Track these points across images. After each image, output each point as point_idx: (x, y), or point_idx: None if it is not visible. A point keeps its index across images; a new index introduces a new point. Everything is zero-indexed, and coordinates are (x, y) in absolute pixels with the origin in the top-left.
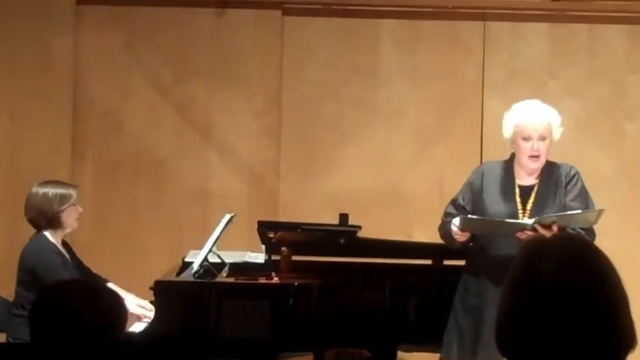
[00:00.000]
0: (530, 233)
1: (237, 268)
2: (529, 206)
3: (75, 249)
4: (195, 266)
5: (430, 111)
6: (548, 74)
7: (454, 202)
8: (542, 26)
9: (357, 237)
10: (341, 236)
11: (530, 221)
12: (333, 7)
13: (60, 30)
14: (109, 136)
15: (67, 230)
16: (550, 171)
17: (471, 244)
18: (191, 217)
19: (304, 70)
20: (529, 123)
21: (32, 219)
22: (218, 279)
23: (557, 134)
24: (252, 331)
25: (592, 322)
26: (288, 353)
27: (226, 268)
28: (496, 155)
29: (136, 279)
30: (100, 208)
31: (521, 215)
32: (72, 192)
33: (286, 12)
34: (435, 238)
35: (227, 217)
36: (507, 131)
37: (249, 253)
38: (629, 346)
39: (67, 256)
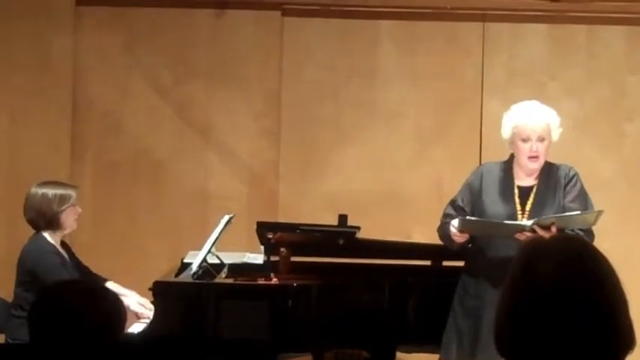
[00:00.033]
0: (528, 234)
1: (236, 269)
2: (528, 207)
3: (74, 250)
4: (194, 267)
5: (429, 112)
6: (548, 75)
7: (453, 203)
8: (542, 27)
9: (356, 238)
10: (340, 237)
11: (529, 222)
12: (332, 8)
13: (59, 30)
14: (108, 137)
15: (67, 231)
16: (549, 172)
17: (469, 245)
18: (190, 218)
19: (303, 71)
20: (528, 124)
21: (31, 219)
22: (217, 280)
23: (556, 135)
24: (251, 331)
25: (591, 323)
26: (287, 354)
27: (225, 269)
28: (495, 156)
29: (135, 280)
30: (99, 209)
31: (520, 216)
32: (71, 192)
33: (285, 13)
34: (434, 239)
35: (226, 217)
36: (506, 132)
37: (248, 254)
38: (628, 346)
39: (66, 256)
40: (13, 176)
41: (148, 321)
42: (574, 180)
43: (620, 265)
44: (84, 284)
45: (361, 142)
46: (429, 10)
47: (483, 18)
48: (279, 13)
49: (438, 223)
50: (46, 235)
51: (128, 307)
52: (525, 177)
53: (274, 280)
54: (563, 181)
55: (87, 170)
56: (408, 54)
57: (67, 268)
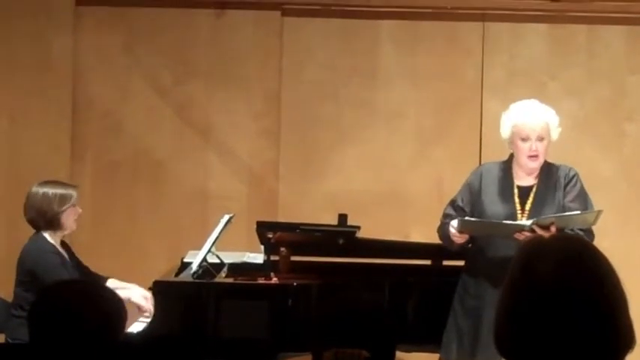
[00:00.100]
0: (528, 234)
1: (236, 269)
2: (528, 206)
3: (74, 250)
4: (194, 267)
5: (429, 112)
6: (548, 75)
7: (453, 204)
8: (542, 27)
9: (356, 237)
10: (340, 237)
11: (529, 222)
12: (333, 7)
13: (59, 30)
14: (108, 137)
15: (67, 231)
16: (549, 172)
17: (469, 245)
18: (190, 218)
19: (303, 71)
20: (527, 123)
21: (31, 219)
22: (217, 279)
23: (555, 134)
24: (251, 331)
25: (591, 323)
26: (287, 353)
27: (225, 269)
28: (495, 156)
29: (135, 279)
30: (99, 209)
31: (519, 215)
32: (72, 192)
33: (285, 13)
34: (434, 239)
35: (226, 217)
36: (505, 131)
37: (248, 254)
38: (628, 346)
39: (66, 256)
40: (13, 176)
41: (149, 315)
42: (574, 180)
43: (620, 264)
44: (84, 284)
45: (361, 142)
46: (430, 10)
47: (483, 18)
48: (278, 13)
49: (437, 223)
50: (46, 235)
51: (129, 300)
52: (525, 177)
53: (274, 280)
54: (563, 181)
55: (87, 170)
56: (409, 54)
57: (67, 268)
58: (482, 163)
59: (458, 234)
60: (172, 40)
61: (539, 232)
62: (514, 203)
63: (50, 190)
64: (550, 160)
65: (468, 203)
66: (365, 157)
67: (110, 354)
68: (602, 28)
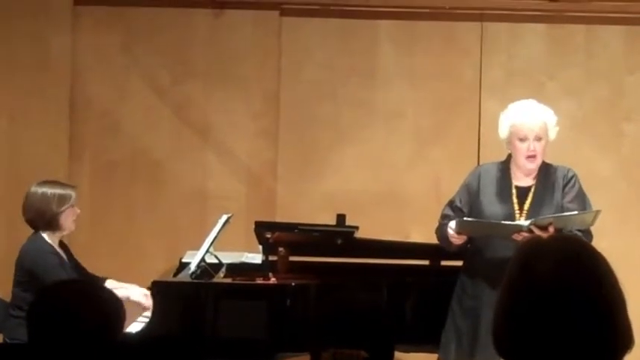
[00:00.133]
0: (526, 235)
1: (235, 269)
2: (526, 206)
3: (72, 250)
4: (193, 267)
5: (427, 112)
6: (546, 75)
7: (451, 204)
8: (540, 27)
9: (355, 237)
10: (338, 237)
11: (527, 223)
12: (331, 7)
13: (58, 30)
14: (106, 136)
15: (65, 232)
16: (547, 172)
17: (468, 245)
18: (188, 218)
19: (302, 71)
20: (525, 123)
21: (30, 219)
22: (215, 279)
23: (553, 134)
24: (249, 331)
25: (589, 323)
26: (286, 353)
27: (223, 269)
28: (493, 156)
29: (133, 280)
30: (97, 209)
31: (518, 216)
32: (71, 192)
33: (284, 13)
34: (432, 239)
35: (224, 217)
36: (503, 132)
37: (246, 254)
38: (626, 346)
39: (65, 256)
40: (13, 176)
41: (149, 314)
42: (572, 181)
43: (619, 264)
44: (82, 284)
45: (360, 141)
46: (428, 10)
47: (482, 18)
48: (277, 12)
49: (435, 223)
50: (45, 235)
51: (129, 299)
52: (523, 177)
53: (272, 280)
54: (561, 182)
55: (85, 170)
56: (407, 54)
57: (66, 269)
58: (480, 163)
59: (456, 235)
60: (170, 40)
61: (538, 232)
62: (512, 203)
63: (49, 190)
64: (548, 161)
65: (466, 204)
66: (363, 157)
67: (109, 354)
68: (600, 28)
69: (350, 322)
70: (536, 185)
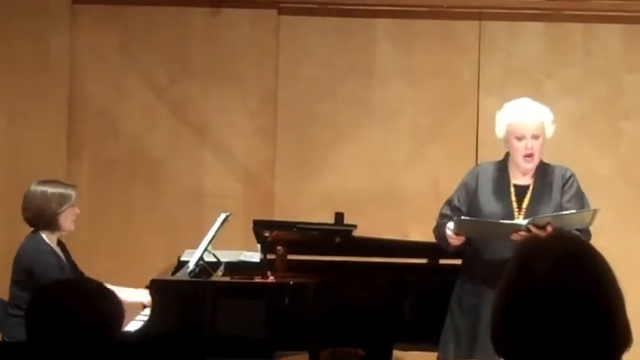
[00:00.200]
0: (524, 234)
1: (233, 267)
2: (525, 204)
3: (71, 248)
4: (191, 265)
5: (426, 110)
6: (545, 73)
7: (449, 203)
8: (538, 25)
9: (353, 236)
10: (336, 235)
11: (525, 222)
12: (329, 6)
13: (56, 29)
14: (104, 135)
15: (64, 232)
16: (545, 171)
17: (467, 247)
18: (187, 217)
19: (300, 70)
20: (522, 122)
21: (29, 218)
22: (214, 278)
23: (549, 132)
24: (247, 329)
25: (587, 321)
26: (284, 352)
27: (222, 267)
28: (492, 155)
29: (132, 278)
30: (95, 208)
31: (516, 214)
32: (71, 192)
33: (282, 11)
34: (431, 237)
35: (222, 216)
36: (500, 131)
37: (244, 252)
38: (625, 345)
39: (63, 257)
40: (13, 176)
41: (147, 312)
42: (571, 180)
43: (617, 263)
44: (80, 284)
45: (358, 140)
46: (426, 9)
47: (480, 16)
48: (275, 11)
49: (434, 222)
50: (44, 235)
51: (128, 299)
52: (521, 175)
53: (271, 279)
54: (560, 182)
55: (83, 169)
56: (405, 52)
57: (64, 269)
58: (478, 161)
59: (454, 236)
60: (168, 39)
61: (536, 231)
62: (511, 202)
63: (49, 189)
64: (546, 160)
65: (464, 203)
66: (361, 156)
67: (107, 353)
68: (598, 27)
69: (349, 321)
70: (535, 183)
